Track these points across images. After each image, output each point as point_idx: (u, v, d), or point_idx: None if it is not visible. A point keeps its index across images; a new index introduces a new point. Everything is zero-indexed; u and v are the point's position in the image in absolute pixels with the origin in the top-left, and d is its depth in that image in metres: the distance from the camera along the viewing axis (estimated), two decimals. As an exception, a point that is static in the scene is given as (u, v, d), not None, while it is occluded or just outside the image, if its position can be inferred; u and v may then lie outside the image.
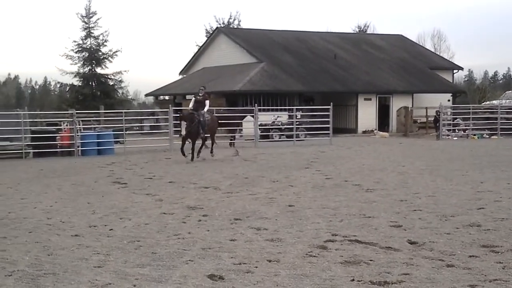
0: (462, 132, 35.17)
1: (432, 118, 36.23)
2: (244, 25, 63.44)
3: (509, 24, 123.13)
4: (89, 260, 7.80)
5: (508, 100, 42.11)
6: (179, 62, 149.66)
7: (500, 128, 34.00)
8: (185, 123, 20.60)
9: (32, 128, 26.57)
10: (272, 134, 32.21)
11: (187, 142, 21.25)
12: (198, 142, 21.79)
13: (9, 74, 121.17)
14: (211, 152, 21.78)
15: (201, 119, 21.09)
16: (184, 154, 20.89)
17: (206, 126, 21.35)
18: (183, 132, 20.55)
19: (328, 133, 29.96)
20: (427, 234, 9.08)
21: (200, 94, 21.55)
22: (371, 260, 7.60)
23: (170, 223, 10.18)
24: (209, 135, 22.20)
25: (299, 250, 8.20)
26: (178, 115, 21.72)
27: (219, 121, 28.92)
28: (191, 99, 21.94)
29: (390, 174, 16.59)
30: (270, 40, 44.93)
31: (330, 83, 40.67)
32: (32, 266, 7.52)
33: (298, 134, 31.19)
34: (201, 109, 21.21)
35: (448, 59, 58.22)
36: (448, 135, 33.96)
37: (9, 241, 9.02)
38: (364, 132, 39.43)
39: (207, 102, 21.59)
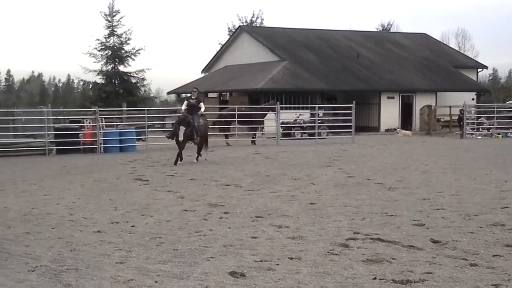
0: (486, 131, 34.82)
1: (456, 117, 35.95)
2: (267, 23, 63.47)
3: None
4: (111, 256, 7.84)
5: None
6: (201, 60, 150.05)
7: (525, 127, 33.61)
8: (183, 127, 19.49)
9: (55, 125, 26.80)
10: (294, 132, 32.15)
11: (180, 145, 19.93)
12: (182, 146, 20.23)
13: (32, 72, 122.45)
14: (199, 155, 20.54)
15: (196, 124, 19.91)
16: (180, 159, 19.64)
17: (199, 131, 20.04)
18: (181, 138, 19.44)
19: (351, 131, 29.84)
20: (450, 233, 8.99)
21: (192, 97, 20.57)
22: (393, 259, 7.54)
23: (192, 220, 10.20)
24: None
25: (321, 248, 8.16)
26: (175, 120, 20.11)
27: (243, 119, 29.15)
28: (188, 101, 20.58)
29: (413, 173, 16.47)
30: (293, 39, 44.85)
31: (353, 82, 40.49)
32: (55, 262, 7.57)
33: (320, 132, 31.10)
34: (195, 112, 20.04)
35: (472, 57, 57.71)
36: (472, 134, 33.64)
37: (32, 236, 9.09)
38: (386, 130, 39.22)
39: (202, 105, 20.52)
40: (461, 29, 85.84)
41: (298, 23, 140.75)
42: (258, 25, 61.05)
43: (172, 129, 20.52)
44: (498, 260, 7.48)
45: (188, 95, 21.53)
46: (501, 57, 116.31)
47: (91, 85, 55.61)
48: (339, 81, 40.28)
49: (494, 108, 36.28)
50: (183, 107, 20.47)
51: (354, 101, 30.37)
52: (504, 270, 7.05)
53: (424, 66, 44.76)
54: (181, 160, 19.59)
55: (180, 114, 20.67)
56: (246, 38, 45.67)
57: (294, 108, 35.20)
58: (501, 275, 6.85)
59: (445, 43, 62.00)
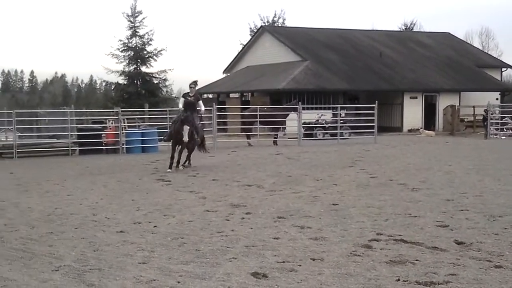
0: (511, 131, 34.44)
1: (480, 117, 35.60)
2: (289, 23, 63.41)
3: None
4: (133, 256, 7.86)
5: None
6: (223, 60, 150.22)
7: (550, 127, 33.19)
8: (187, 126, 17.65)
9: (78, 126, 26.99)
10: (316, 133, 32.06)
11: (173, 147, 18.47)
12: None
13: (56, 73, 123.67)
14: (189, 160, 18.90)
15: (197, 123, 18.42)
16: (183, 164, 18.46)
17: (198, 133, 18.54)
18: (186, 138, 17.56)
19: (373, 132, 29.68)
20: (475, 234, 8.89)
21: (190, 94, 18.50)
22: (417, 260, 7.47)
23: (214, 221, 10.20)
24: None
25: (344, 249, 8.12)
26: (181, 118, 17.87)
27: (265, 119, 29.10)
28: (186, 99, 18.41)
29: (436, 174, 16.33)
30: (314, 38, 44.74)
31: (376, 81, 40.28)
32: (78, 262, 7.62)
33: (342, 132, 30.98)
34: (194, 111, 18.34)
35: (496, 57, 57.12)
36: (496, 134, 33.30)
37: (56, 236, 9.16)
38: (409, 130, 38.96)
39: (201, 103, 18.82)
40: (484, 28, 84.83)
41: (320, 23, 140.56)
42: (280, 25, 61.05)
43: (171, 130, 18.71)
44: (523, 262, 7.38)
45: (187, 91, 18.86)
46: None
47: (113, 86, 56.02)
48: (361, 81, 40.10)
49: (518, 108, 35.86)
50: (180, 105, 18.49)
51: (376, 101, 30.22)
52: (530, 272, 6.95)
53: (448, 65, 44.39)
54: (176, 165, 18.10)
55: (175, 115, 19.64)
56: (268, 38, 45.64)
57: (316, 108, 35.10)
58: (526, 277, 6.76)
59: (469, 42, 61.42)
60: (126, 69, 53.28)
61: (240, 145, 27.11)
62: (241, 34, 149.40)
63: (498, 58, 56.53)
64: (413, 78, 41.55)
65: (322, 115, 33.67)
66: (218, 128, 27.96)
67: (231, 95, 45.49)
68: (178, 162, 18.22)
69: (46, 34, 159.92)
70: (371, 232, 9.13)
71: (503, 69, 48.49)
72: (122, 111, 26.65)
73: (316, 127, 32.45)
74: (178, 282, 6.70)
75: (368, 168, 17.79)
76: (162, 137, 27.86)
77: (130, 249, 8.27)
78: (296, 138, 29.08)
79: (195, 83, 18.91)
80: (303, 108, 30.13)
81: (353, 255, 7.78)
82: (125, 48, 53.26)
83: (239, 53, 49.75)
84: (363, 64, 42.13)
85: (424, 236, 8.81)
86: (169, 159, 18.03)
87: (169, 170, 17.59)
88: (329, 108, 34.85)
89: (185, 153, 18.58)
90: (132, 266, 7.39)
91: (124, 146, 25.31)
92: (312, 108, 34.72)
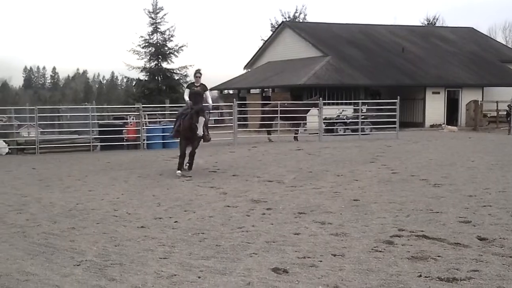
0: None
1: (503, 112, 35.22)
2: (310, 18, 63.33)
3: None
4: (154, 251, 7.88)
5: None
6: (244, 56, 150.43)
7: None
8: (203, 118, 15.67)
9: (100, 121, 27.15)
10: (337, 128, 31.93)
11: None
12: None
13: (77, 69, 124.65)
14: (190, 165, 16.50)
15: (208, 117, 16.96)
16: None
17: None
18: (200, 132, 15.50)
19: (395, 127, 29.48)
20: (498, 230, 8.79)
21: (196, 84, 16.24)
22: (439, 256, 7.40)
23: (234, 216, 10.19)
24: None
25: (365, 244, 8.06)
26: (195, 110, 15.61)
27: (286, 115, 29.06)
28: (191, 89, 16.23)
29: (458, 169, 16.17)
30: (336, 34, 44.58)
31: (397, 77, 40.03)
32: (99, 256, 7.66)
33: (364, 128, 30.81)
34: (201, 103, 16.04)
35: (519, 51, 56.45)
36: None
37: (77, 231, 9.21)
38: (431, 126, 38.67)
39: (208, 94, 16.55)
40: (508, 22, 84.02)
41: (341, 18, 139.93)
42: (301, 21, 60.93)
43: (178, 125, 16.32)
44: (547, 259, 7.28)
45: (192, 81, 16.65)
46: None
47: (134, 82, 56.39)
48: (383, 76, 39.88)
49: (542, 103, 35.40)
50: (186, 96, 16.15)
51: (398, 97, 30.02)
52: (554, 269, 6.85)
53: (471, 60, 43.98)
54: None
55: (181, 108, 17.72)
56: (289, 34, 45.56)
57: (337, 104, 34.96)
58: (551, 274, 6.66)
59: (492, 37, 60.83)
60: (147, 65, 53.58)
61: (261, 141, 27.08)
62: (262, 29, 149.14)
63: (522, 52, 55.85)
64: (435, 73, 41.23)
65: (343, 110, 33.55)
66: (238, 123, 27.96)
67: (252, 91, 45.46)
68: (191, 164, 16.37)
69: (68, 31, 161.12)
70: (392, 228, 9.06)
71: (526, 64, 47.87)
72: (143, 107, 26.73)
73: (337, 122, 32.32)
74: (199, 277, 6.70)
75: (389, 163, 17.66)
76: (169, 133, 28.05)
77: (151, 244, 8.29)
78: (317, 133, 28.97)
79: (200, 71, 16.45)
80: (324, 104, 30.01)
81: (374, 251, 7.72)
82: (146, 44, 53.55)
83: (260, 48, 49.72)
84: (385, 60, 41.88)
85: (446, 232, 8.73)
86: (178, 159, 16.24)
87: (179, 172, 15.78)
88: (350, 104, 34.71)
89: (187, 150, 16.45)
90: (153, 261, 7.41)
91: (145, 141, 25.41)
92: (333, 104, 34.59)
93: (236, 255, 7.63)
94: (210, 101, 16.78)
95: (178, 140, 16.75)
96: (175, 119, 17.32)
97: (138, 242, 8.41)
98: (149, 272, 6.91)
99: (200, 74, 16.38)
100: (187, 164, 16.37)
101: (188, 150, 16.26)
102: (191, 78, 57.14)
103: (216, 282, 6.53)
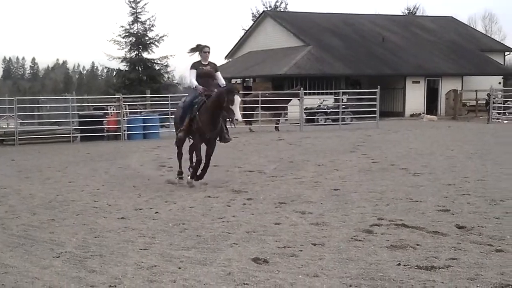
0: (513, 115, 34.36)
1: (482, 101, 35.52)
2: (291, 8, 63.24)
3: None
4: (135, 242, 7.87)
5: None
6: (225, 46, 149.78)
7: (553, 111, 33.13)
8: (239, 98, 12.06)
9: (80, 112, 26.99)
10: (318, 118, 32.01)
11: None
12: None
13: (57, 60, 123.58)
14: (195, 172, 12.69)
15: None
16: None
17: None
18: (239, 115, 12.00)
19: (375, 117, 29.62)
20: (476, 218, 8.88)
21: (204, 63, 12.56)
22: (417, 245, 7.47)
23: (215, 207, 10.20)
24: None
25: (345, 234, 8.11)
26: (226, 88, 12.28)
27: (267, 105, 29.06)
28: (199, 69, 12.49)
29: (438, 158, 16.30)
30: (317, 23, 44.58)
31: (378, 66, 40.19)
32: (79, 248, 7.63)
33: (344, 117, 30.93)
34: (213, 87, 12.37)
35: (499, 41, 56.93)
36: (498, 119, 33.20)
37: (57, 223, 9.17)
38: (411, 115, 38.90)
39: (220, 75, 12.83)
40: (488, 12, 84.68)
41: (322, 7, 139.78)
42: (282, 10, 60.84)
43: (199, 117, 12.21)
44: (525, 246, 7.37)
45: (197, 59, 12.72)
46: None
47: (115, 72, 55.98)
48: (363, 66, 40.00)
49: (521, 92, 35.74)
50: (193, 78, 12.42)
51: (378, 86, 30.15)
52: (531, 256, 6.93)
53: (451, 50, 44.23)
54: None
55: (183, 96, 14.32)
56: (270, 23, 45.49)
57: (318, 94, 35.03)
58: (528, 261, 6.75)
59: (472, 26, 61.24)
60: (128, 56, 53.26)
61: (242, 131, 27.06)
62: (243, 19, 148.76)
63: (501, 42, 56.36)
64: (415, 62, 41.41)
65: (324, 100, 33.63)
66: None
67: (233, 80, 45.37)
68: (196, 171, 12.56)
69: (48, 21, 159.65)
70: (372, 217, 9.12)
71: (506, 53, 48.29)
72: (123, 97, 26.62)
73: (318, 112, 32.40)
74: (179, 268, 6.71)
75: (369, 153, 17.76)
76: (164, 124, 28.01)
77: (131, 235, 8.28)
78: (298, 123, 29.04)
79: (208, 47, 12.76)
80: (305, 94, 30.07)
81: (354, 240, 7.77)
82: (127, 34, 53.21)
83: (241, 38, 49.64)
84: (366, 49, 41.99)
85: (425, 220, 8.80)
86: (189, 162, 13.08)
87: (180, 180, 12.86)
88: (331, 93, 34.80)
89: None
90: (133, 252, 7.40)
91: (126, 132, 25.31)
92: (314, 94, 34.65)
93: (217, 245, 7.64)
94: (222, 81, 12.80)
95: (176, 141, 13.19)
96: (179, 115, 12.89)
97: (118, 233, 8.39)
98: (129, 263, 6.90)
99: (209, 49, 12.75)
100: (190, 169, 12.88)
101: (206, 156, 12.54)
102: (172, 68, 56.79)
103: (197, 272, 6.54)
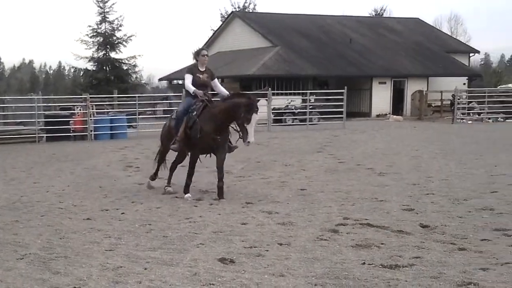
0: (477, 116, 34.90)
1: (447, 102, 36.00)
2: (260, 9, 63.31)
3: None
4: (100, 243, 7.83)
5: (524, 84, 41.72)
6: (193, 46, 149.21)
7: (515, 111, 33.72)
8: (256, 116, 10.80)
9: (46, 112, 26.69)
10: (285, 118, 32.13)
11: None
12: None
13: (23, 59, 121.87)
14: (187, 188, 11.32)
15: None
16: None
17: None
18: (252, 137, 10.85)
19: (342, 117, 29.83)
20: (439, 217, 9.01)
21: (201, 69, 11.59)
22: (382, 244, 7.55)
23: (182, 207, 10.19)
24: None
25: (311, 233, 8.17)
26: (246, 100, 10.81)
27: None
28: (196, 76, 11.45)
29: (403, 158, 16.49)
30: (286, 24, 44.72)
31: (345, 67, 40.48)
32: (44, 250, 7.56)
33: (312, 118, 31.08)
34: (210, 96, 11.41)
35: (464, 42, 57.75)
36: (462, 119, 33.70)
37: (21, 224, 9.07)
38: (378, 116, 39.26)
39: (217, 82, 12.17)
40: (453, 13, 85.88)
41: (291, 8, 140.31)
42: (251, 11, 60.89)
43: (201, 125, 10.87)
44: (486, 244, 7.50)
45: (193, 61, 12.45)
46: (493, 41, 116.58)
47: (82, 72, 55.44)
48: (331, 67, 40.25)
49: (485, 93, 36.28)
50: (189, 83, 11.35)
51: (345, 87, 30.37)
52: (492, 254, 7.05)
53: (416, 51, 44.73)
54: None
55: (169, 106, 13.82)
56: (238, 24, 45.51)
57: (286, 94, 35.15)
58: (489, 259, 6.87)
59: (438, 28, 61.99)
60: (95, 55, 52.85)
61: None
62: (212, 19, 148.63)
63: (466, 43, 57.16)
64: (382, 63, 41.81)
65: (291, 100, 33.75)
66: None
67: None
68: (188, 186, 11.31)
69: (14, 19, 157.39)
70: (338, 216, 9.20)
71: (470, 54, 49.07)
72: (90, 97, 26.40)
73: (285, 112, 32.51)
74: (145, 269, 6.69)
75: (336, 153, 17.90)
76: (131, 124, 27.88)
77: (97, 236, 8.23)
78: (266, 124, 29.10)
79: (207, 52, 12.25)
80: (273, 94, 30.15)
81: (319, 240, 7.83)
82: (94, 34, 52.78)
83: (209, 38, 49.57)
84: (334, 50, 42.26)
85: (390, 220, 8.91)
86: (186, 181, 11.35)
87: (188, 195, 11.13)
88: (298, 94, 34.93)
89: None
90: (98, 253, 7.36)
91: (92, 132, 25.11)
92: (282, 94, 34.75)
93: (183, 246, 7.64)
94: (224, 90, 11.80)
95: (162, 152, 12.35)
96: (173, 123, 11.61)
97: (84, 235, 8.33)
98: (95, 265, 6.86)
99: (207, 53, 12.04)
100: (166, 188, 11.75)
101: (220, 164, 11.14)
102: (140, 68, 56.48)
103: (163, 273, 6.53)
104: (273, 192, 11.43)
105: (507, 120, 33.46)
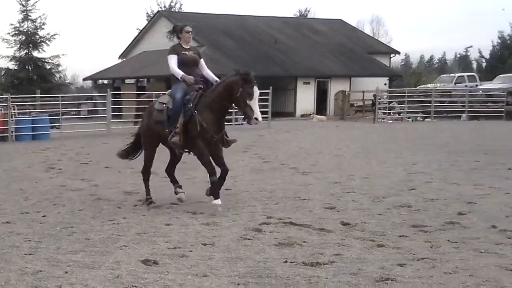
0: (397, 115, 35.88)
1: (369, 102, 36.87)
2: (186, 8, 62.99)
3: (446, 8, 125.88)
4: (20, 247, 7.66)
5: (442, 84, 43.17)
6: (118, 46, 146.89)
7: (434, 111, 34.84)
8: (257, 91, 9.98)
9: (-36, 113, 25.81)
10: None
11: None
12: None
13: None
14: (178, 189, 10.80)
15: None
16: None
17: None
18: (258, 114, 10.10)
19: (267, 117, 30.08)
20: (360, 215, 9.25)
21: (185, 47, 10.45)
22: (304, 242, 7.69)
23: (105, 209, 10.08)
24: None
25: (234, 233, 8.23)
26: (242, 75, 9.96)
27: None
28: (182, 54, 10.30)
29: (326, 157, 16.80)
30: (212, 24, 44.73)
31: (270, 67, 40.83)
32: (-40, 255, 7.35)
33: (237, 118, 31.19)
34: (202, 77, 10.44)
35: (386, 43, 59.23)
36: (383, 118, 34.58)
37: None
38: (302, 115, 39.80)
39: (203, 63, 10.81)
40: (375, 15, 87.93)
41: (218, 8, 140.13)
42: (177, 10, 60.55)
43: (200, 115, 9.89)
44: (404, 241, 7.74)
45: (175, 41, 11.34)
46: (413, 43, 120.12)
47: (3, 72, 53.82)
48: (256, 67, 40.37)
49: (405, 93, 37.34)
50: (174, 64, 10.21)
51: (271, 87, 30.64)
52: (409, 250, 7.28)
53: (340, 52, 45.61)
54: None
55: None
56: (164, 23, 45.18)
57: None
58: (406, 255, 7.09)
59: (361, 29, 63.35)
60: (17, 54, 51.47)
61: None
62: (138, 19, 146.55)
63: (388, 44, 58.67)
64: (306, 64, 42.41)
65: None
66: (112, 114, 27.54)
67: (127, 81, 44.80)
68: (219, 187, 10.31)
69: None
70: (261, 215, 9.30)
71: (391, 55, 50.42)
72: (11, 97, 25.71)
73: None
74: (66, 272, 6.59)
75: (261, 152, 18.06)
76: (54, 125, 27.31)
77: (17, 240, 8.05)
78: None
79: (191, 28, 10.80)
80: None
81: (243, 239, 7.90)
82: (16, 32, 51.37)
83: (135, 38, 49.08)
84: (259, 50, 42.57)
85: (312, 218, 9.07)
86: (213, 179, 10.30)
87: (217, 201, 10.14)
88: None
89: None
90: (18, 257, 7.20)
91: (14, 133, 24.47)
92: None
93: (106, 248, 7.57)
94: (211, 74, 10.66)
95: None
96: (158, 116, 10.36)
97: (3, 239, 8.14)
98: (13, 269, 6.71)
99: (191, 31, 10.71)
100: (177, 193, 10.68)
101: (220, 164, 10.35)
102: (63, 68, 55.65)
103: (84, 276, 6.46)
104: (198, 192, 11.42)
105: (426, 120, 34.55)
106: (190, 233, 8.29)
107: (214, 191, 9.97)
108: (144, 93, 33.09)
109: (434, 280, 6.13)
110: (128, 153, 11.31)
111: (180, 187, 10.73)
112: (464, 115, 34.36)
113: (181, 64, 10.15)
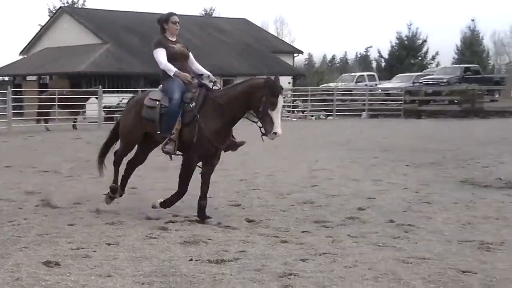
0: (301, 114, 36.58)
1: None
2: (89, 5, 61.73)
3: (348, 9, 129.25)
4: None
5: (343, 83, 44.38)
6: (19, 41, 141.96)
7: (336, 109, 35.76)
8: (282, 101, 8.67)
9: None
10: (117, 116, 31.65)
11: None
12: None
13: None
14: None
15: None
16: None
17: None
18: (279, 128, 8.80)
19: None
20: (264, 212, 9.43)
21: (171, 39, 9.68)
22: (209, 239, 7.77)
23: (5, 210, 9.76)
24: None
25: (140, 232, 8.20)
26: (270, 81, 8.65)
27: (64, 103, 28.08)
28: (170, 47, 9.50)
29: (231, 155, 16.78)
30: (116, 21, 44.08)
31: (174, 65, 40.65)
32: None
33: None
34: (193, 73, 9.48)
35: (289, 43, 60.22)
36: (287, 117, 35.16)
37: None
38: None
39: (193, 57, 9.84)
40: (279, 16, 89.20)
41: (121, 5, 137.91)
42: (80, 6, 59.24)
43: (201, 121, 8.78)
44: (306, 236, 7.96)
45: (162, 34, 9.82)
46: (316, 43, 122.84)
47: None
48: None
49: (308, 92, 38.09)
50: (162, 58, 9.46)
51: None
52: (312, 245, 7.50)
53: (244, 51, 46.01)
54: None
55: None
56: (66, 19, 44.20)
57: (118, 92, 34.66)
58: (308, 250, 7.30)
59: (265, 29, 64.08)
60: None
61: (38, 130, 26.05)
62: (40, 14, 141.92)
63: (291, 44, 59.69)
64: (211, 62, 42.35)
65: (123, 98, 33.33)
66: (13, 112, 26.71)
67: (28, 77, 43.44)
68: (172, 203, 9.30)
69: None
70: (167, 214, 9.31)
71: (295, 55, 51.33)
72: None
73: (117, 111, 32.02)
74: (-38, 278, 6.38)
75: (167, 151, 17.94)
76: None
77: None
78: (97, 122, 28.54)
79: (177, 17, 9.81)
80: (104, 92, 29.64)
81: (148, 238, 7.89)
82: None
83: (36, 34, 47.69)
84: (164, 48, 42.27)
85: (218, 215, 9.16)
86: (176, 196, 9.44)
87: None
88: (130, 92, 34.58)
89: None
90: None
91: None
92: (113, 92, 34.23)
93: (5, 250, 7.35)
94: (202, 69, 9.82)
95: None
96: (149, 113, 9.30)
97: None
98: None
99: (178, 22, 9.71)
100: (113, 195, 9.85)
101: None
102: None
103: (-18, 280, 6.27)
104: (103, 192, 11.26)
105: (328, 118, 35.41)
106: (94, 233, 8.19)
107: (201, 214, 8.80)
108: (47, 91, 32.17)
109: (334, 274, 6.35)
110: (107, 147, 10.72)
111: (120, 195, 9.87)
112: (364, 113, 35.42)
113: (169, 59, 9.18)
